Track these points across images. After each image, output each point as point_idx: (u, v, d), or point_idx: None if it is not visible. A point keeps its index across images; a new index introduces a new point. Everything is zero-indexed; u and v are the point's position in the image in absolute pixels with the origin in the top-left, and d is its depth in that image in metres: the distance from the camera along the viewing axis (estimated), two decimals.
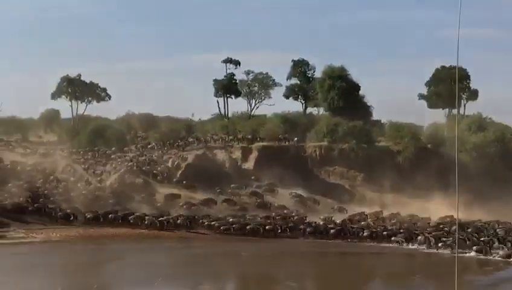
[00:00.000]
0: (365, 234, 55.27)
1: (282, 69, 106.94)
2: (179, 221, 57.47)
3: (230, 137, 78.08)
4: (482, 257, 47.93)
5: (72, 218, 57.18)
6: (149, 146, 78.28)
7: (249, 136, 77.58)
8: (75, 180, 67.12)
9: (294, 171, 71.32)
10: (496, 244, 49.91)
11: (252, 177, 71.26)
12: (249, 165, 73.61)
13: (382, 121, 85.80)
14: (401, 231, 55.42)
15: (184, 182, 68.06)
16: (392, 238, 53.36)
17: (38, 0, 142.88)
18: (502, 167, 71.49)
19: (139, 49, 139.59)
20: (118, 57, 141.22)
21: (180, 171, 70.71)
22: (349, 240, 55.10)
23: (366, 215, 62.66)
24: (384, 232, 55.17)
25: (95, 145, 76.27)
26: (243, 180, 70.75)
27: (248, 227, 56.10)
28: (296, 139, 76.30)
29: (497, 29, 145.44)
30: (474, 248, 48.84)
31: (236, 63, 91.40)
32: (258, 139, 77.46)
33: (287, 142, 76.22)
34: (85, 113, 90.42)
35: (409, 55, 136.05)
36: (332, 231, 55.70)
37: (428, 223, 59.60)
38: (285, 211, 63.39)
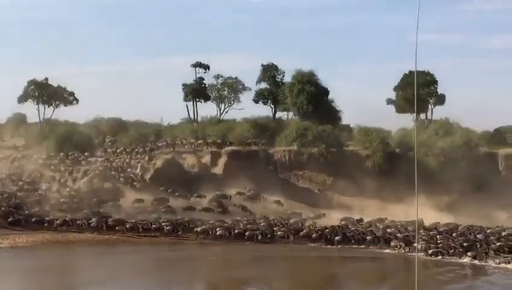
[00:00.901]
0: (368, 239, 54.95)
1: (251, 73, 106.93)
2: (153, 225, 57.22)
3: (200, 141, 77.91)
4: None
5: (40, 223, 56.55)
6: (118, 150, 77.77)
7: (219, 141, 77.45)
8: (43, 185, 66.55)
9: (264, 176, 71.46)
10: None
11: (222, 182, 71.15)
12: (218, 169, 73.50)
13: (351, 126, 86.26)
14: (399, 236, 54.86)
15: (153, 186, 67.82)
16: (392, 243, 52.99)
17: (5, 1, 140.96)
18: (469, 171, 72.14)
19: (108, 53, 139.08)
20: (87, 60, 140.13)
21: (149, 176, 70.44)
22: (355, 246, 54.53)
23: (357, 220, 62.80)
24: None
25: (63, 150, 75.51)
26: (213, 184, 70.63)
27: (247, 233, 56.01)
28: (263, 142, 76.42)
29: (464, 34, 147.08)
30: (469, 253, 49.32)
31: (206, 67, 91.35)
32: (228, 143, 77.39)
33: (256, 147, 76.16)
34: (53, 118, 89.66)
35: (378, 59, 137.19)
36: (337, 237, 55.15)
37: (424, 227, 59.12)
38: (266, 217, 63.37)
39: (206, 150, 75.93)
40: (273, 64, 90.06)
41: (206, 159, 74.75)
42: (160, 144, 76.86)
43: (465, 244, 51.84)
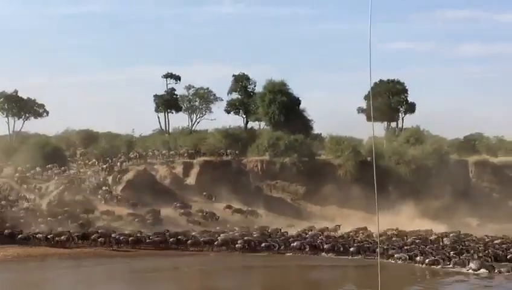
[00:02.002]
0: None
1: (223, 83, 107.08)
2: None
3: (172, 152, 77.71)
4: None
5: (11, 237, 55.87)
6: (89, 162, 77.22)
7: (191, 151, 77.34)
8: (13, 198, 65.88)
9: (237, 186, 71.49)
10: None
11: (194, 192, 71.00)
12: (191, 180, 73.31)
13: (323, 135, 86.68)
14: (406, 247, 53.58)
15: (125, 198, 67.53)
16: (396, 255, 50.70)
17: None
18: (440, 179, 72.88)
19: (78, 64, 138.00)
20: (56, 72, 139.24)
21: (120, 187, 70.03)
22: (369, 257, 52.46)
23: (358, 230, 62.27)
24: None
25: (33, 163, 74.76)
26: (185, 195, 70.48)
27: (263, 245, 55.07)
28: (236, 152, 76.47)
29: (433, 42, 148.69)
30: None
31: (177, 78, 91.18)
32: (200, 154, 77.29)
33: (228, 157, 76.13)
34: (22, 130, 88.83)
35: (348, 68, 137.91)
36: (352, 248, 53.74)
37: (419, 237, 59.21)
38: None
39: (178, 161, 75.70)
40: (244, 74, 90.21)
41: (178, 170, 74.51)
42: (132, 156, 76.46)
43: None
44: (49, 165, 74.05)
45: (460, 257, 49.11)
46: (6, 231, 56.56)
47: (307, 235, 59.21)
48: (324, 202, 71.63)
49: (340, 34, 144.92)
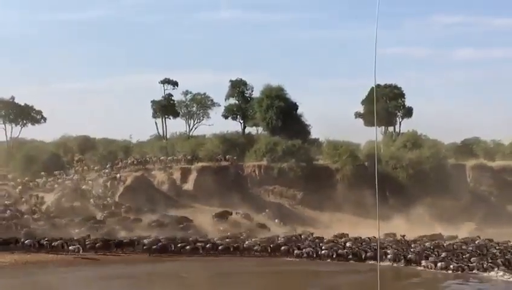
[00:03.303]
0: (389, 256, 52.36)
1: (220, 89, 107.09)
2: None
3: (169, 158, 77.68)
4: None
5: (8, 244, 55.74)
6: (86, 168, 77.16)
7: (188, 157, 77.32)
8: (10, 204, 65.78)
9: (234, 191, 71.46)
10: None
11: (192, 198, 70.97)
12: (189, 185, 73.27)
13: (320, 140, 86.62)
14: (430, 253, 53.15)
15: (124, 204, 67.49)
16: (423, 262, 50.41)
17: None
18: (438, 183, 72.93)
19: (75, 70, 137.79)
20: (53, 78, 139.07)
21: (118, 194, 69.97)
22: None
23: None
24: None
25: (31, 169, 74.73)
26: (183, 201, 70.45)
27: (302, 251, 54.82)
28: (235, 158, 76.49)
29: (429, 47, 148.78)
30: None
31: (174, 84, 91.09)
32: (198, 159, 77.28)
33: (226, 162, 76.10)
34: (20, 136, 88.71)
35: (346, 73, 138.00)
36: (368, 253, 52.99)
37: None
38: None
39: (176, 167, 75.66)
40: (241, 79, 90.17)
41: (176, 175, 74.50)
42: (129, 161, 76.40)
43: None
44: (47, 172, 73.96)
45: (484, 263, 48.89)
46: (4, 237, 56.45)
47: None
48: (322, 207, 71.59)
49: (337, 40, 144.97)
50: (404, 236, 60.21)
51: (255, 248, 56.78)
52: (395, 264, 51.23)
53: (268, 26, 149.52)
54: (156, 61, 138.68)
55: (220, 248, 56.39)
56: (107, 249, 55.87)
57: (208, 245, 56.84)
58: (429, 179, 73.72)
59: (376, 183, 15.44)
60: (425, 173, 74.43)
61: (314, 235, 61.40)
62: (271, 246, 56.83)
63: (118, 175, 73.25)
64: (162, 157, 77.67)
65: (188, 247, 56.20)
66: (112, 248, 56.38)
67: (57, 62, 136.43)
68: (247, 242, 57.78)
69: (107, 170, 74.75)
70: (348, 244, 56.70)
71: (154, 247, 55.66)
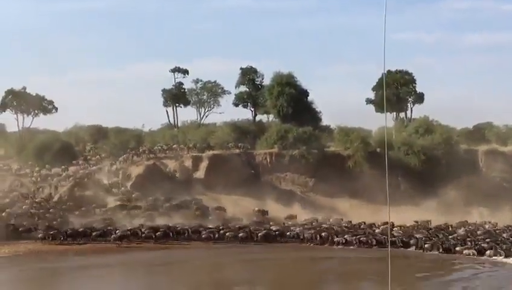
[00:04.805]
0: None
1: (230, 77, 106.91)
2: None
3: (181, 146, 77.74)
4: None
5: (23, 233, 56.14)
6: (98, 158, 77.35)
7: (200, 145, 77.35)
8: (24, 194, 66.15)
9: (246, 179, 71.49)
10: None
11: (204, 186, 71.08)
12: (200, 174, 73.35)
13: (331, 127, 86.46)
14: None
15: (135, 193, 67.78)
16: (465, 251, 50.33)
17: None
18: (450, 168, 72.73)
19: (86, 60, 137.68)
20: (65, 68, 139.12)
21: (130, 183, 70.17)
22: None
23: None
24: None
25: (43, 159, 75.02)
26: (195, 189, 70.56)
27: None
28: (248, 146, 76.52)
29: (440, 32, 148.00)
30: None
31: (185, 72, 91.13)
32: (209, 147, 77.31)
33: (237, 150, 76.08)
34: (32, 126, 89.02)
35: (356, 60, 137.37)
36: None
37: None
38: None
39: (187, 155, 75.72)
40: (251, 67, 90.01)
41: (188, 163, 74.57)
42: (141, 150, 76.54)
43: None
44: (59, 161, 74.18)
45: None
46: (17, 227, 56.86)
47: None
48: (334, 193, 71.52)
49: (347, 26, 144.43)
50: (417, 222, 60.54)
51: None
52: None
53: (278, 14, 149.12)
54: (167, 50, 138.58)
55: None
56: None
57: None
58: (441, 165, 73.54)
59: (386, 170, 15.38)
60: (437, 158, 74.21)
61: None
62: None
63: (130, 164, 73.37)
64: (174, 146, 77.73)
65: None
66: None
67: (69, 52, 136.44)
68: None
69: (119, 159, 74.90)
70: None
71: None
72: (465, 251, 50.06)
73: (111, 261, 49.44)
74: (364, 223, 61.45)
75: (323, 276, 46.23)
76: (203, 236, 57.04)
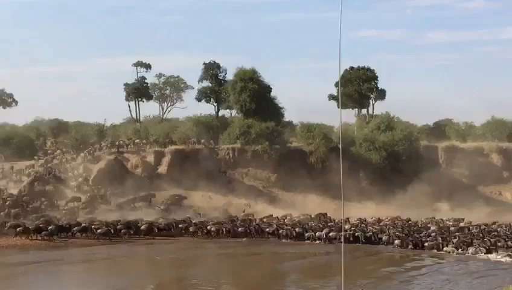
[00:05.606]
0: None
1: (193, 71, 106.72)
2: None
3: (143, 141, 77.36)
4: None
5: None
6: (59, 152, 76.59)
7: (162, 140, 77.06)
8: None
9: (208, 174, 71.42)
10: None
11: (166, 181, 70.86)
12: (163, 169, 73.09)
13: (294, 122, 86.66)
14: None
15: (97, 187, 67.28)
16: (445, 248, 50.07)
17: None
18: (411, 164, 73.56)
19: (47, 54, 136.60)
20: (25, 61, 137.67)
21: (92, 177, 69.65)
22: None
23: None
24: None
25: (3, 153, 74.10)
26: (158, 184, 70.30)
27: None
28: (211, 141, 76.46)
29: (402, 30, 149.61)
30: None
31: (147, 67, 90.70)
32: (171, 142, 77.06)
33: (200, 145, 75.93)
34: None
35: (319, 56, 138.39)
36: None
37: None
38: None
39: (150, 150, 75.37)
40: (215, 62, 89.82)
41: (150, 158, 74.24)
42: (103, 145, 75.98)
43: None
44: (19, 156, 73.30)
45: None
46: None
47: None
48: (296, 189, 71.84)
49: (310, 22, 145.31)
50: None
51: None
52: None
53: (242, 9, 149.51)
54: (129, 44, 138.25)
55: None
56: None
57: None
58: (402, 161, 74.34)
59: (341, 166, 15.60)
60: (398, 154, 74.96)
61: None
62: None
63: (91, 158, 72.80)
64: (136, 141, 77.30)
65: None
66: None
67: (29, 45, 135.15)
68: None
69: (81, 154, 74.24)
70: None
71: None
72: (445, 248, 50.02)
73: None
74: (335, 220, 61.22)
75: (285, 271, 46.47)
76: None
